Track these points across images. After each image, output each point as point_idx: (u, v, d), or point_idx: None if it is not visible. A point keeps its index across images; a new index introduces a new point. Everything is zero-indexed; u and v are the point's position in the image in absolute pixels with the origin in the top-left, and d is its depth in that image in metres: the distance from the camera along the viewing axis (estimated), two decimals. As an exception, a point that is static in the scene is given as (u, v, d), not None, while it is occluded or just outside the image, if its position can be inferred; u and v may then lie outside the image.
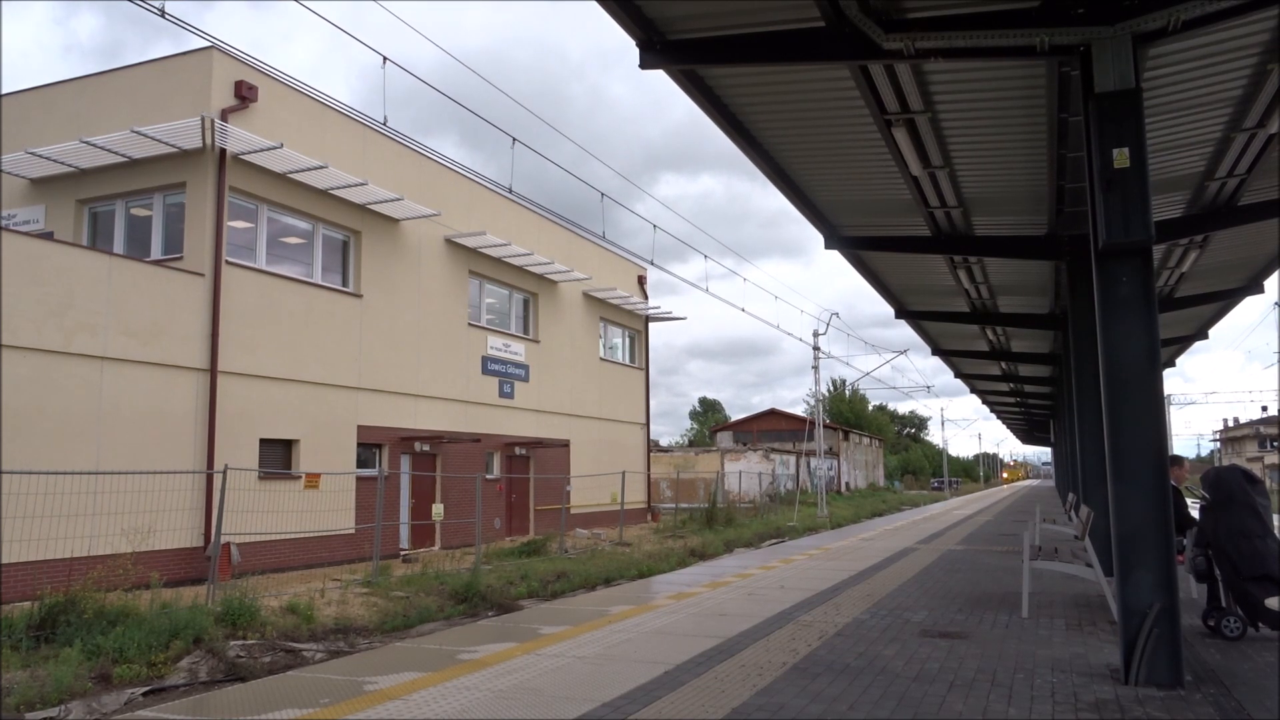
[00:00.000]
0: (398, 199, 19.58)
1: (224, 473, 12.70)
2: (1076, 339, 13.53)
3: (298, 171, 17.62)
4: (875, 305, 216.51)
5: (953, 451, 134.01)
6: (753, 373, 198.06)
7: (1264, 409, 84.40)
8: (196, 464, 15.30)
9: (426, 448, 21.33)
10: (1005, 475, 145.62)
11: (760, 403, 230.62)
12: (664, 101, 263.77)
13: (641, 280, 33.03)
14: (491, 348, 24.13)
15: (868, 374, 58.57)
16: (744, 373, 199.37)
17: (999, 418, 66.50)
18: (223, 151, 16.29)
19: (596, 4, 7.37)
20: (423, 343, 21.40)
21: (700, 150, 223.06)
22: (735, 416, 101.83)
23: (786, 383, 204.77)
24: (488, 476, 23.39)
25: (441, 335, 22.10)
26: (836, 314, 38.67)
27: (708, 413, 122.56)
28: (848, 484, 67.93)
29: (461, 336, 22.89)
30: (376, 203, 19.64)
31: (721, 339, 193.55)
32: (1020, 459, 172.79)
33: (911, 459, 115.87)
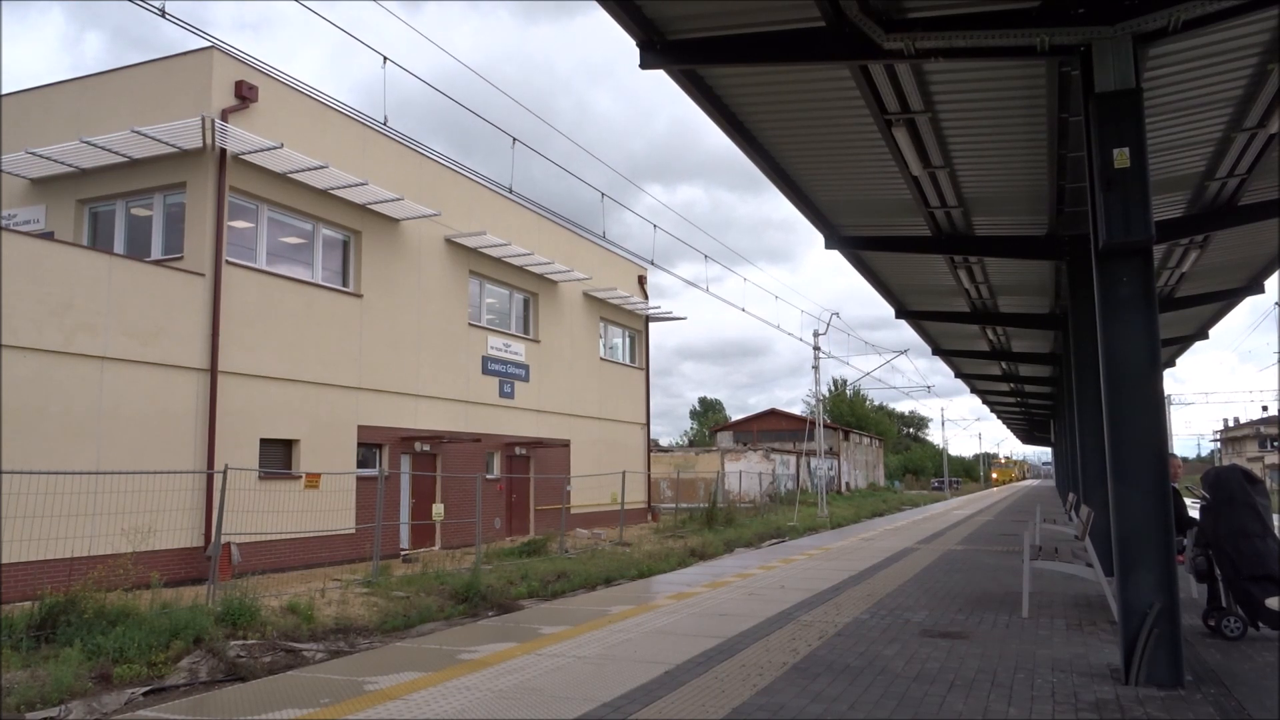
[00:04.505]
0: (398, 199, 19.58)
1: (224, 473, 12.70)
2: (1077, 339, 13.53)
3: (298, 171, 17.62)
4: (865, 308, 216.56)
5: (953, 451, 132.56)
6: (746, 374, 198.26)
7: (1264, 409, 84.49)
8: (197, 464, 15.31)
9: (426, 448, 21.33)
10: (995, 475, 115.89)
11: (755, 404, 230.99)
12: (651, 113, 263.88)
13: (642, 280, 33.03)
14: (492, 348, 24.13)
15: (868, 374, 58.65)
16: (737, 374, 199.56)
17: (999, 418, 66.51)
18: (223, 151, 16.29)
19: (596, 4, 7.37)
20: (423, 343, 21.40)
21: (682, 160, 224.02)
22: (731, 417, 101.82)
23: (781, 383, 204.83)
24: (488, 476, 23.40)
25: (441, 335, 22.10)
26: (837, 314, 38.71)
27: (708, 412, 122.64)
28: (848, 484, 67.93)
29: (461, 336, 22.89)
30: (377, 203, 19.64)
31: (713, 340, 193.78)
32: (1020, 458, 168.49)
33: (912, 459, 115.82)
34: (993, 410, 59.30)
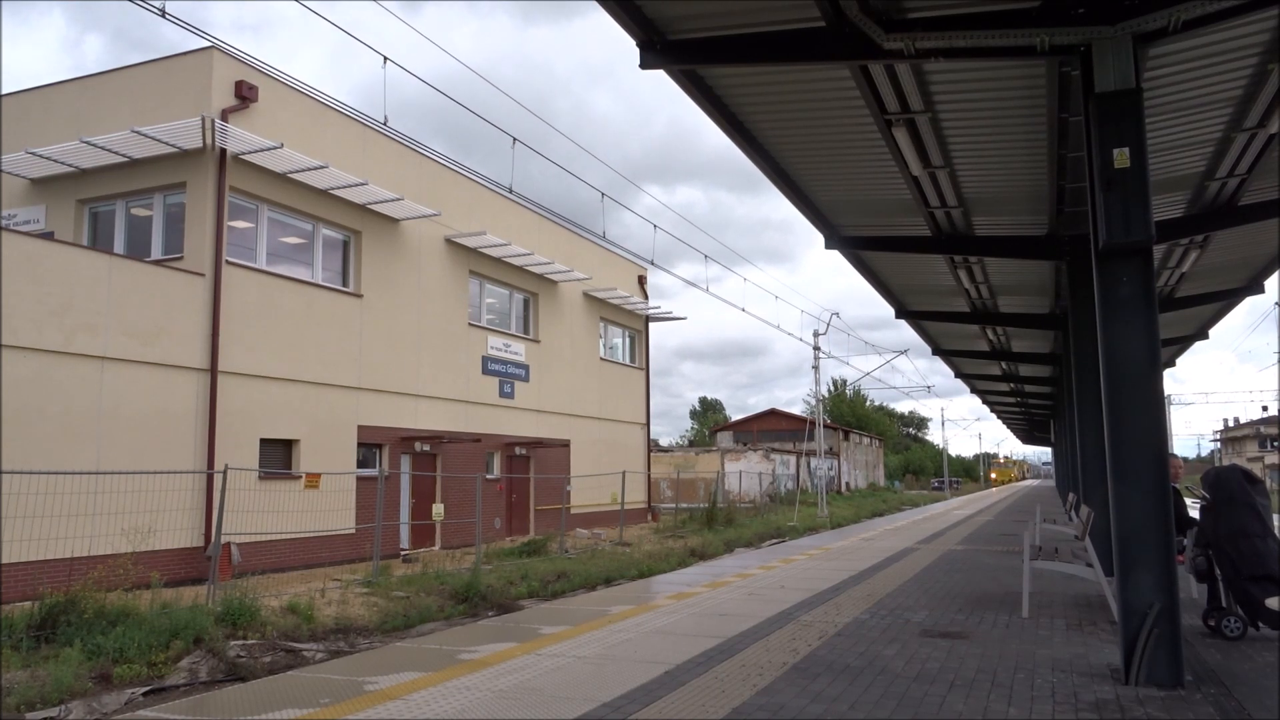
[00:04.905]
0: (398, 199, 19.58)
1: (224, 473, 12.70)
2: (1077, 339, 13.53)
3: (298, 171, 17.62)
4: (863, 309, 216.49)
5: (953, 451, 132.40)
6: (745, 374, 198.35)
7: (1264, 409, 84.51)
8: (197, 464, 15.31)
9: (426, 448, 21.33)
10: (994, 476, 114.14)
11: (754, 404, 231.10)
12: (649, 115, 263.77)
13: (642, 280, 33.03)
14: (492, 348, 24.13)
15: (868, 374, 58.63)
16: (736, 374, 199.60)
17: (999, 418, 66.51)
18: (223, 151, 16.29)
19: (595, 6, 7.38)
20: (423, 343, 21.40)
21: (680, 161, 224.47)
22: (731, 417, 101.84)
23: (780, 383, 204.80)
24: (488, 476, 23.39)
25: (441, 335, 22.10)
26: (837, 314, 38.71)
27: (707, 413, 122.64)
28: (848, 484, 67.93)
29: (461, 336, 22.89)
30: (377, 203, 19.64)
31: (713, 340, 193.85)
32: (1020, 458, 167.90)
33: (912, 459, 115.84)
34: (993, 410, 59.30)
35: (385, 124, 13.55)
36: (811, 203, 12.63)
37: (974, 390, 45.08)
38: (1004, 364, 30.67)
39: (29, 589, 11.53)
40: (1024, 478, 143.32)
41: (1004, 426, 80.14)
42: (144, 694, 8.21)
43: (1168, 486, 6.27)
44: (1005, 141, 10.21)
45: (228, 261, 16.40)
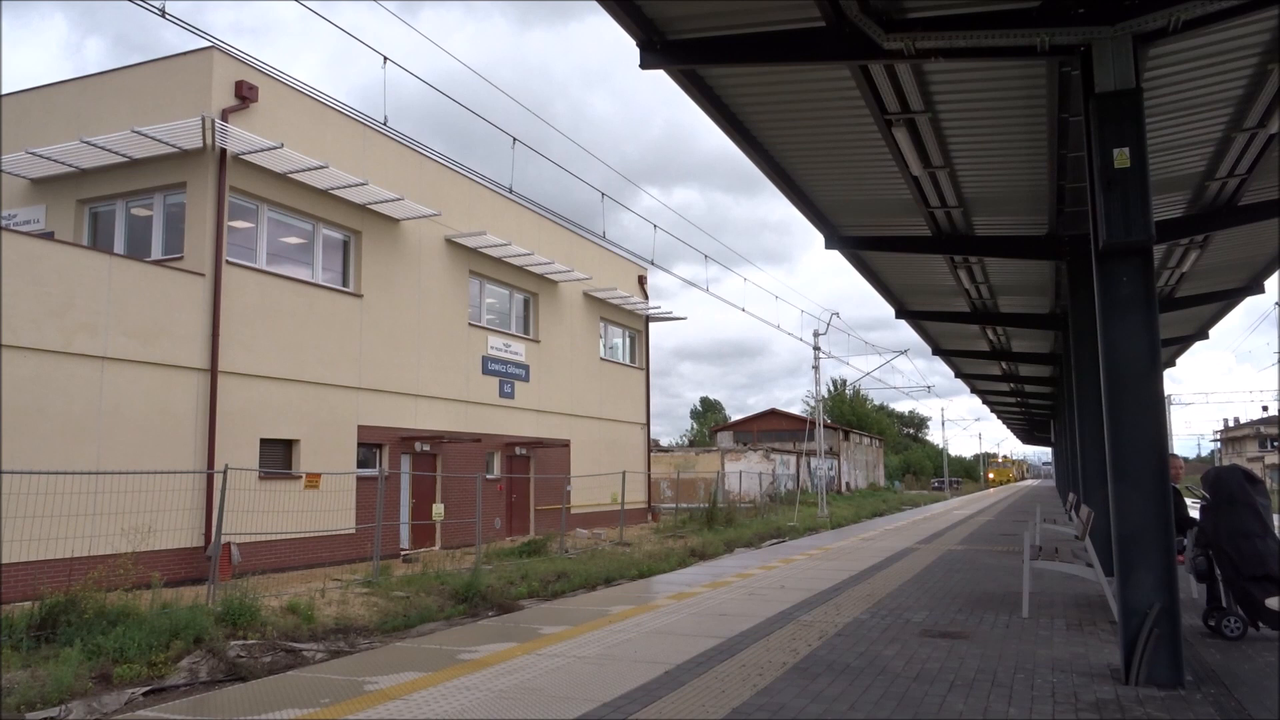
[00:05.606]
0: (398, 199, 19.58)
1: (224, 473, 12.70)
2: (1077, 339, 13.53)
3: (298, 171, 17.62)
4: (863, 309, 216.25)
5: (953, 451, 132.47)
6: (744, 374, 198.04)
7: (1264, 409, 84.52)
8: (197, 464, 15.31)
9: (427, 448, 21.34)
10: (991, 476, 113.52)
11: (753, 404, 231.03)
12: (646, 117, 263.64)
13: (642, 280, 33.03)
14: (492, 348, 24.13)
15: (868, 374, 58.58)
16: (735, 374, 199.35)
17: (999, 418, 66.50)
18: (223, 151, 16.29)
19: (594, 7, 7.37)
20: (423, 343, 21.40)
21: (678, 163, 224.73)
22: (730, 418, 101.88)
23: (780, 383, 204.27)
24: (488, 476, 23.39)
25: (442, 335, 22.11)
26: (837, 314, 38.69)
27: (708, 413, 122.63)
28: (848, 484, 67.93)
29: (462, 336, 22.89)
30: (377, 203, 19.64)
31: (712, 340, 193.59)
32: (1020, 458, 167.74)
33: (912, 459, 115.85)
34: (993, 410, 59.29)
35: (385, 124, 13.56)
36: (811, 203, 12.63)
37: (974, 390, 45.08)
38: (1004, 364, 30.67)
39: (29, 589, 11.52)
40: (1023, 477, 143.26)
41: (1004, 426, 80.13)
42: (144, 694, 8.22)
43: (1168, 486, 6.27)
44: (1005, 141, 10.21)
45: (228, 261, 16.40)
